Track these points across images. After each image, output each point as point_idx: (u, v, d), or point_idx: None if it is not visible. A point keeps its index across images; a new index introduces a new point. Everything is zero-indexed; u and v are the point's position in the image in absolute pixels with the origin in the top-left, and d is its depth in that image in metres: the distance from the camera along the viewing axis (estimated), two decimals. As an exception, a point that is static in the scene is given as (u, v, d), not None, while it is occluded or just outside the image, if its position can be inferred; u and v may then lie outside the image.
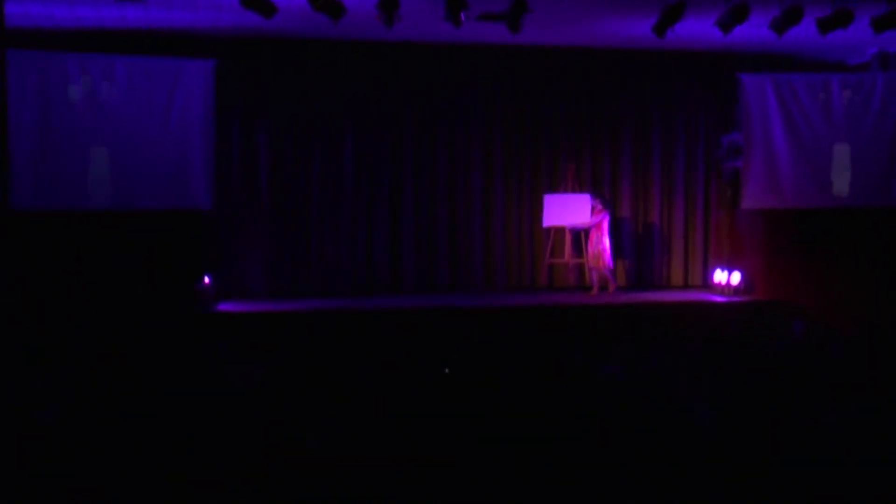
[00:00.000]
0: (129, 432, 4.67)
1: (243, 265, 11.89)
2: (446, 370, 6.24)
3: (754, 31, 10.13)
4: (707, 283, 12.64)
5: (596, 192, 12.00)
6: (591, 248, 11.57)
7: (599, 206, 11.53)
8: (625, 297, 11.74)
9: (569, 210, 11.88)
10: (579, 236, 12.08)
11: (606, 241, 11.50)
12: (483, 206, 12.58)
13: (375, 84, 12.17)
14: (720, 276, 11.98)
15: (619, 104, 12.75)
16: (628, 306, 11.07)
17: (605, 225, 11.50)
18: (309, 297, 11.68)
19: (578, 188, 12.22)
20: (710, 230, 12.97)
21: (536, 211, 12.46)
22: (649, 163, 12.89)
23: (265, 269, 11.96)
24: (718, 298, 11.55)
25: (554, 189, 12.37)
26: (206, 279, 10.86)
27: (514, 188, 12.69)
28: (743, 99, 11.65)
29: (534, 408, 5.03)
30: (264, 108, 11.94)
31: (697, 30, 10.56)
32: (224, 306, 10.75)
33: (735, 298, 11.44)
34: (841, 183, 11.76)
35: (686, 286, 12.85)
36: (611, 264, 11.70)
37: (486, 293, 12.28)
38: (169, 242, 10.65)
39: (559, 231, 12.27)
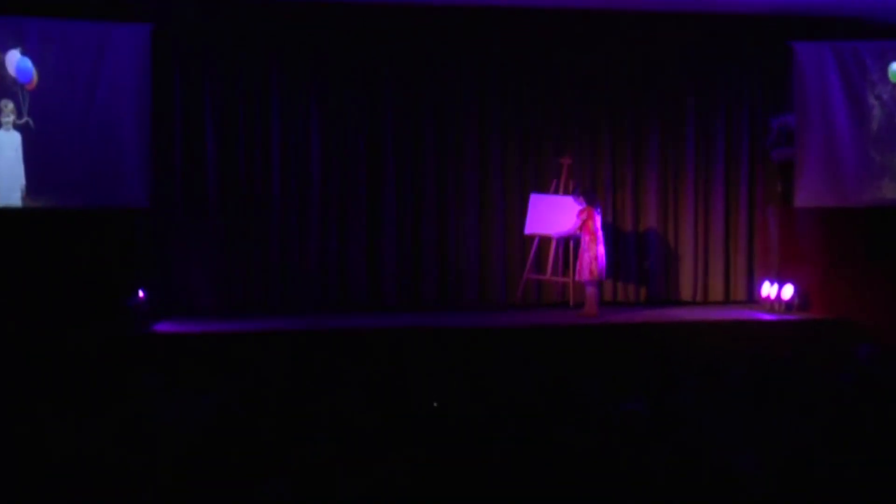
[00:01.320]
0: (35, 491, 4.62)
1: (187, 276, 11.85)
2: (434, 404, 6.20)
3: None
4: (753, 299, 12.64)
5: (579, 188, 11.78)
6: (581, 257, 11.31)
7: (584, 204, 11.32)
8: (651, 314, 11.71)
9: (557, 214, 11.75)
10: (567, 247, 11.98)
11: (601, 248, 11.24)
12: (479, 205, 12.56)
13: (348, 55, 12.12)
14: (769, 289, 11.96)
15: (644, 80, 12.71)
16: (654, 326, 11.02)
17: (597, 225, 11.25)
18: (268, 316, 11.62)
19: (576, 188, 11.97)
20: (755, 234, 12.93)
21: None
22: (681, 152, 12.85)
23: (214, 280, 11.92)
24: (766, 317, 11.52)
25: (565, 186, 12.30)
26: (140, 293, 10.80)
27: (515, 184, 12.64)
28: (797, 73, 11.62)
29: (536, 452, 4.99)
30: (213, 83, 11.87)
31: (741, -12, 10.56)
32: (162, 326, 10.66)
33: (787, 317, 11.40)
34: (918, 175, 11.77)
35: (727, 302, 12.83)
36: (603, 275, 11.42)
37: (482, 311, 12.25)
38: (94, 248, 10.59)
39: (546, 240, 12.16)
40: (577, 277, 11.54)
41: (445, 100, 12.48)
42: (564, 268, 12.11)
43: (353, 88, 12.21)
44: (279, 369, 8.64)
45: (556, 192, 12.10)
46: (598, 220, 11.29)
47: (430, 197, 12.47)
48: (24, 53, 10.37)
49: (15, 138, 10.38)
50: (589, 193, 11.46)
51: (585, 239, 11.24)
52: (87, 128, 10.57)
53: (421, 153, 12.46)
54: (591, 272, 11.20)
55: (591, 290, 11.40)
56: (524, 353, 9.73)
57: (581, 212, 11.28)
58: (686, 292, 12.89)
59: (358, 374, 7.91)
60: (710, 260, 12.93)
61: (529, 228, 12.02)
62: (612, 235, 12.57)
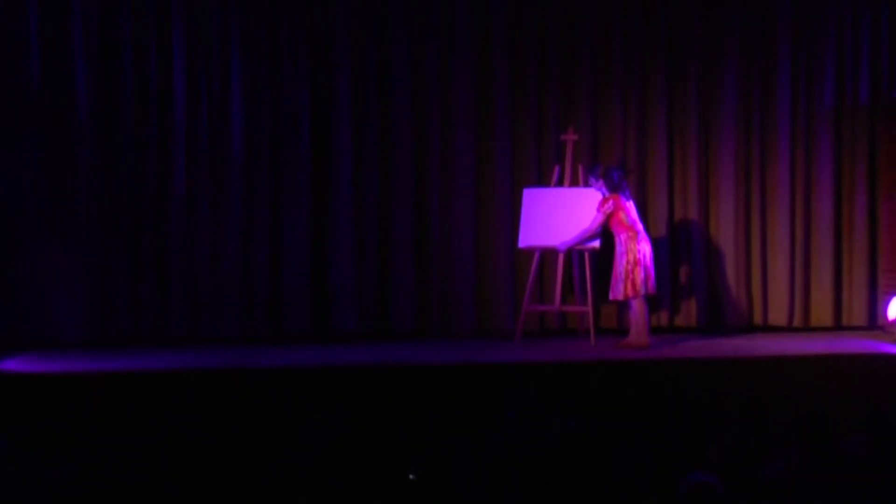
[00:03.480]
0: None
1: (48, 294, 11.90)
2: (411, 476, 6.25)
3: None
4: (876, 323, 12.71)
5: (597, 169, 11.71)
6: (616, 265, 11.27)
7: (605, 190, 11.34)
8: (726, 346, 11.75)
9: (562, 216, 11.81)
10: (583, 260, 12.08)
11: (644, 245, 11.22)
12: (475, 191, 12.69)
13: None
14: (899, 310, 11.99)
15: (714, 11, 12.79)
16: (731, 363, 11.00)
17: (633, 216, 11.29)
18: (165, 350, 11.64)
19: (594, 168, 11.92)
20: (879, 230, 12.97)
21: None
22: (770, 112, 12.92)
23: (89, 300, 11.98)
24: (896, 350, 11.56)
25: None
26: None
27: (530, 159, 12.76)
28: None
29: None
30: (87, 10, 11.88)
31: None
32: (9, 364, 10.67)
33: (928, 350, 11.43)
34: None
35: (838, 328, 12.94)
36: (653, 285, 11.33)
37: (480, 341, 12.32)
38: None
39: (551, 254, 12.25)
40: (611, 296, 11.49)
41: (427, 41, 12.57)
42: (582, 295, 12.20)
43: (294, 31, 12.28)
44: (183, 426, 8.59)
45: (559, 183, 12.17)
46: (632, 209, 11.23)
47: (405, 182, 12.60)
48: None
49: None
50: (612, 174, 11.38)
51: (621, 237, 11.22)
52: None
53: (391, 122, 12.55)
54: (632, 284, 11.08)
55: (637, 309, 11.32)
56: (542, 401, 9.68)
57: (604, 202, 11.24)
58: (778, 315, 13.00)
59: (299, 432, 7.89)
60: (814, 268, 13.03)
61: (525, 240, 12.06)
62: (669, 235, 12.58)
